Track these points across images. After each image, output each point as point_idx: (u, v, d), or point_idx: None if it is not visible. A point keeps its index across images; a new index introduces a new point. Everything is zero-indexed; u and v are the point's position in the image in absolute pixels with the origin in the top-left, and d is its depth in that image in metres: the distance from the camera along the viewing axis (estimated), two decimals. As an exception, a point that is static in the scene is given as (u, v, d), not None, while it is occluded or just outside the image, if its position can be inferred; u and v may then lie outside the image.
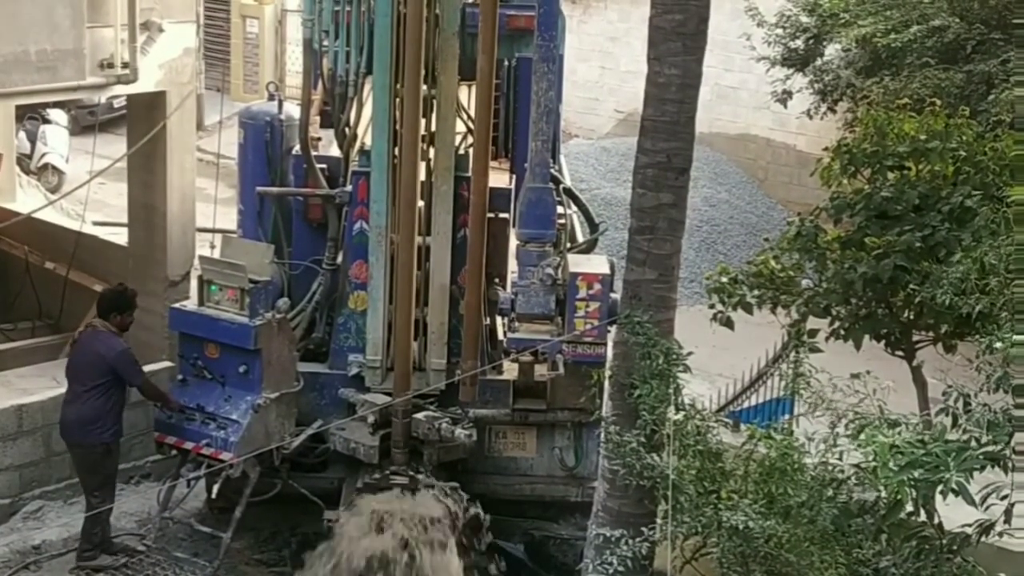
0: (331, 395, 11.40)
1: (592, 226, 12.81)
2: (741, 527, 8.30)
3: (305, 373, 11.26)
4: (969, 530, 7.85)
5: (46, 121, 21.74)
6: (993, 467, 7.30)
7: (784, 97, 19.47)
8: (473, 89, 10.98)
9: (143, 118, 12.71)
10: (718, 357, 13.45)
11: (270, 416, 10.83)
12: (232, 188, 13.35)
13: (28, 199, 16.58)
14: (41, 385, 12.09)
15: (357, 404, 11.21)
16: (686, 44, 9.29)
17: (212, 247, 12.19)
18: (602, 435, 10.07)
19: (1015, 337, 7.27)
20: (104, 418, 10.90)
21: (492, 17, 10.42)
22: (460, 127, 11.57)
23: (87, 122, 22.45)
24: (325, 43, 11.35)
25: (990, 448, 7.25)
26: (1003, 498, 7.28)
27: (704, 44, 9.41)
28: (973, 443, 7.27)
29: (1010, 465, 7.25)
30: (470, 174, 10.81)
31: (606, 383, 10.24)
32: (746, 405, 12.13)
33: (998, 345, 7.34)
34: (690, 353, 9.66)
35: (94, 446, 10.96)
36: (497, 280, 11.37)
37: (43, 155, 21.37)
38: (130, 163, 13.11)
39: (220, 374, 10.87)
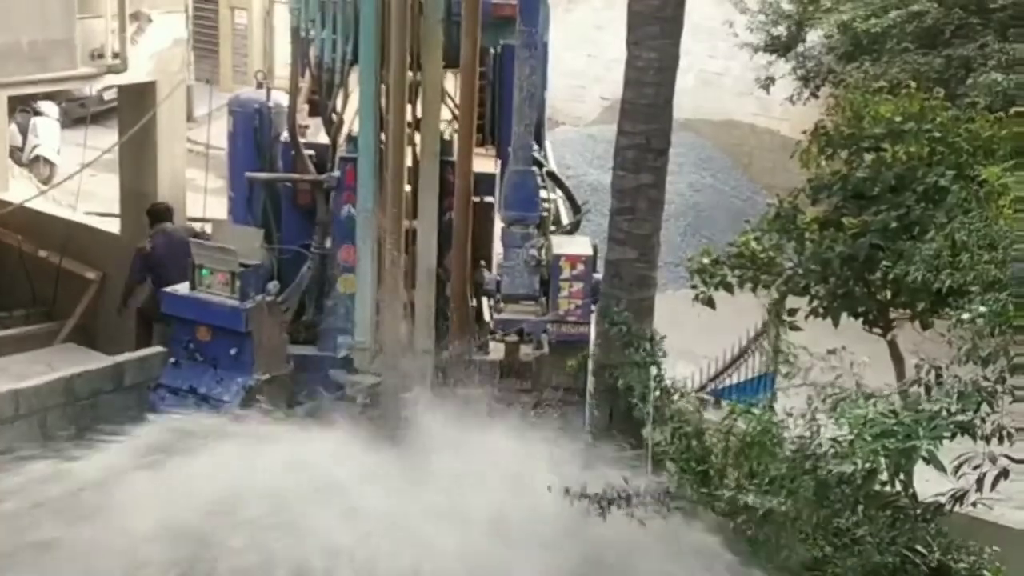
0: (321, 377, 11.56)
1: (575, 208, 12.96)
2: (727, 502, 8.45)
3: (295, 355, 11.44)
4: (943, 499, 8.04)
5: (37, 114, 21.87)
6: (963, 435, 7.48)
7: (767, 83, 19.70)
8: (458, 76, 11.15)
9: (133, 108, 12.86)
10: (703, 338, 13.58)
11: (261, 398, 10.99)
12: (222, 178, 13.49)
13: (20, 190, 16.71)
14: (36, 371, 12.14)
15: (346, 385, 11.35)
16: (664, 27, 9.48)
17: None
18: (587, 412, 10.25)
19: (980, 308, 7.45)
20: None
21: (475, 4, 10.61)
22: (446, 113, 11.72)
23: (77, 115, 22.57)
24: (312, 32, 11.51)
25: (960, 417, 7.43)
26: (975, 468, 7.46)
27: (681, 27, 9.58)
28: (944, 413, 7.45)
29: (979, 434, 7.45)
30: (455, 159, 10.99)
31: (590, 362, 10.41)
32: (728, 383, 12.29)
33: (965, 316, 7.52)
34: (663, 337, 9.79)
35: None
36: (483, 262, 11.53)
37: (34, 147, 21.52)
38: (121, 152, 13.25)
39: (212, 356, 11.00)
